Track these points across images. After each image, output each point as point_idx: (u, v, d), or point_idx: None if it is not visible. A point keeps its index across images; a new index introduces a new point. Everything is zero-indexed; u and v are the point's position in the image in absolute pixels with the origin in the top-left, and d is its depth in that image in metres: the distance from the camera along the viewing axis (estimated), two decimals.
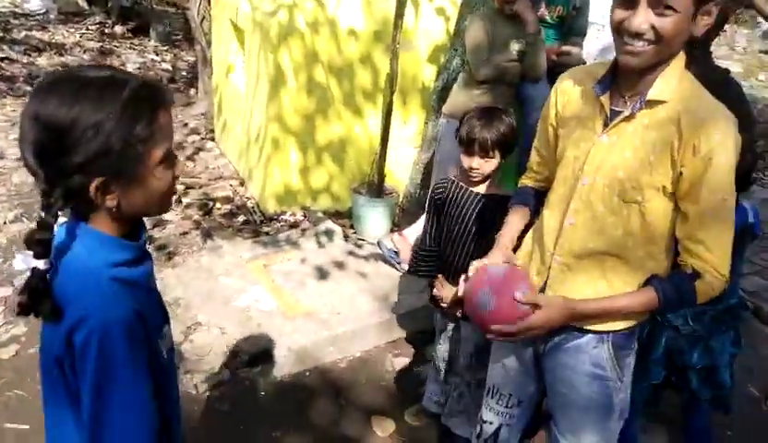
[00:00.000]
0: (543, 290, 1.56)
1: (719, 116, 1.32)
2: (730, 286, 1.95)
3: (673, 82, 1.33)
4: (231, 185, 4.57)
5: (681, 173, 1.33)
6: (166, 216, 4.05)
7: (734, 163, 1.31)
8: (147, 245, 1.15)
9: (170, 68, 8.05)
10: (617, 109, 1.40)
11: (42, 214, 0.97)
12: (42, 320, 1.01)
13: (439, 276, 2.18)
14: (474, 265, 1.55)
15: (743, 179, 1.74)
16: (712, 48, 2.29)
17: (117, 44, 8.93)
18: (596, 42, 6.93)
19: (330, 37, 3.88)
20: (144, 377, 1.02)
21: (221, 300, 3.21)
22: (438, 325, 2.38)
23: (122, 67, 7.51)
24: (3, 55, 7.34)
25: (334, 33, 3.89)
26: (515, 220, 1.69)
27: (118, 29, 9.60)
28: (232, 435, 2.51)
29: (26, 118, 0.96)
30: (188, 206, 4.19)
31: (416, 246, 2.32)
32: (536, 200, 1.70)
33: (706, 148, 1.29)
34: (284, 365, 2.86)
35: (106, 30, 9.43)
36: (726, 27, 9.26)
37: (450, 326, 2.29)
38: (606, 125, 1.41)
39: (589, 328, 1.51)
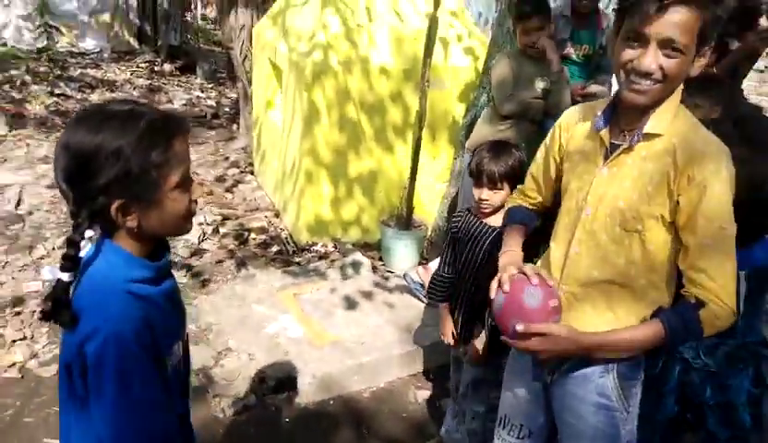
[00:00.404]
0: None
1: (712, 148, 1.37)
2: (748, 322, 1.94)
3: (668, 116, 1.40)
4: (266, 217, 4.73)
5: (678, 203, 1.38)
6: (204, 245, 4.23)
7: (729, 193, 1.36)
8: (169, 266, 1.24)
9: (214, 105, 8.39)
10: (616, 142, 1.46)
11: (71, 233, 1.07)
12: (61, 328, 1.10)
13: (442, 306, 2.25)
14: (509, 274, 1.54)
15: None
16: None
17: (165, 82, 9.37)
18: None
19: (362, 75, 4.04)
20: (157, 381, 1.11)
21: (251, 327, 3.32)
22: (452, 354, 2.44)
23: (169, 104, 7.90)
24: (59, 92, 7.78)
25: (366, 71, 4.04)
26: (514, 237, 1.73)
27: (167, 67, 10.09)
28: None
29: (59, 147, 1.07)
30: (225, 236, 4.36)
31: (434, 274, 2.39)
32: (531, 218, 1.76)
33: (700, 177, 1.34)
34: (309, 393, 2.93)
35: (155, 68, 9.91)
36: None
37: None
38: (606, 157, 1.48)
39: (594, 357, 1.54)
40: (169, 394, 1.22)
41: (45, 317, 1.08)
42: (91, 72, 9.10)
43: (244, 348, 3.17)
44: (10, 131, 5.99)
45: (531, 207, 1.81)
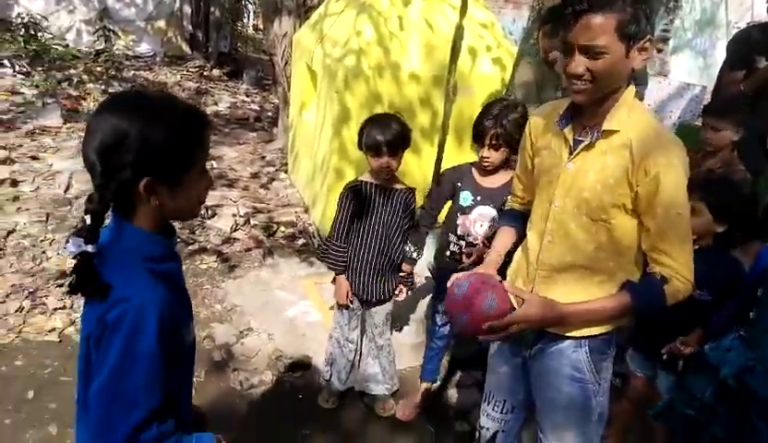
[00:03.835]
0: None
1: (664, 141, 1.50)
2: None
3: (623, 113, 1.52)
4: (296, 212, 4.93)
5: (637, 193, 1.50)
6: (235, 234, 4.46)
7: (683, 181, 1.48)
8: (175, 248, 1.30)
9: (257, 109, 8.71)
10: (579, 138, 1.60)
11: (95, 205, 1.10)
12: (87, 300, 1.14)
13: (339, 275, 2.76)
14: (457, 276, 1.73)
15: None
16: None
17: (213, 86, 9.76)
18: (658, 93, 6.94)
19: (392, 80, 4.22)
20: (162, 356, 1.12)
21: (273, 310, 3.51)
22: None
23: (215, 106, 8.21)
24: (113, 91, 8.21)
25: (396, 77, 4.22)
26: (502, 238, 1.88)
27: (215, 72, 10.49)
28: (266, 429, 2.75)
29: (97, 120, 1.11)
30: (254, 226, 4.58)
31: (332, 245, 2.77)
32: (522, 221, 1.88)
33: (654, 170, 1.47)
34: (323, 374, 3.08)
35: (204, 73, 10.32)
36: None
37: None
38: (570, 153, 1.61)
39: (569, 334, 1.66)
40: (187, 364, 1.30)
41: (74, 289, 1.10)
42: (144, 74, 9.55)
43: (264, 328, 3.36)
44: (65, 123, 6.41)
45: (521, 207, 1.93)
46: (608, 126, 1.53)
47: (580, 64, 1.46)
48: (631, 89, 1.54)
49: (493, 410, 1.94)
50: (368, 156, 2.64)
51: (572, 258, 1.63)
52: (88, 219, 1.10)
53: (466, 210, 2.69)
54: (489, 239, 2.65)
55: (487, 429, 1.96)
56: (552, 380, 1.72)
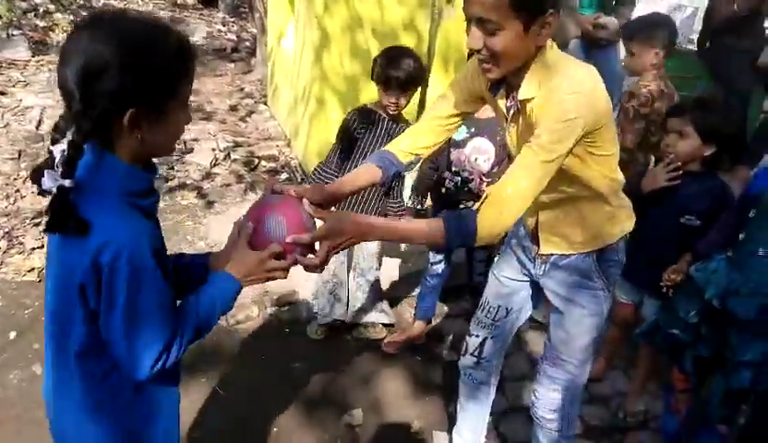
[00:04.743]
0: (536, 228, 1.74)
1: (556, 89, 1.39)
2: None
3: (535, 81, 1.42)
4: (277, 146, 4.81)
5: None
6: (215, 170, 4.35)
7: (553, 112, 1.37)
8: (155, 182, 1.21)
9: (234, 39, 8.38)
10: (510, 104, 1.54)
11: (74, 135, 1.01)
12: (66, 238, 1.05)
13: None
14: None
15: None
16: None
17: (187, 14, 9.35)
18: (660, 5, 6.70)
19: (375, 2, 4.01)
20: (163, 281, 1.11)
21: None
22: None
23: (191, 37, 7.89)
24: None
25: None
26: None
27: None
28: (254, 364, 2.74)
29: (76, 43, 1.01)
30: (234, 161, 4.47)
31: (324, 168, 2.73)
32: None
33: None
34: (308, 307, 3.07)
35: (178, 1, 9.87)
36: None
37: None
38: (506, 119, 1.57)
39: (576, 251, 1.70)
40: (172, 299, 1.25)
41: (51, 227, 1.03)
42: (114, 3, 9.11)
43: None
44: (33, 56, 6.12)
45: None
46: (522, 96, 1.46)
47: (476, 37, 1.35)
48: (544, 58, 1.42)
49: (486, 317, 1.95)
50: (378, 89, 2.55)
51: (549, 198, 1.62)
52: (56, 151, 1.01)
53: (460, 144, 2.59)
54: (486, 175, 2.58)
55: (477, 336, 1.97)
56: (565, 292, 1.75)
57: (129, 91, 1.01)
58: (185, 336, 1.15)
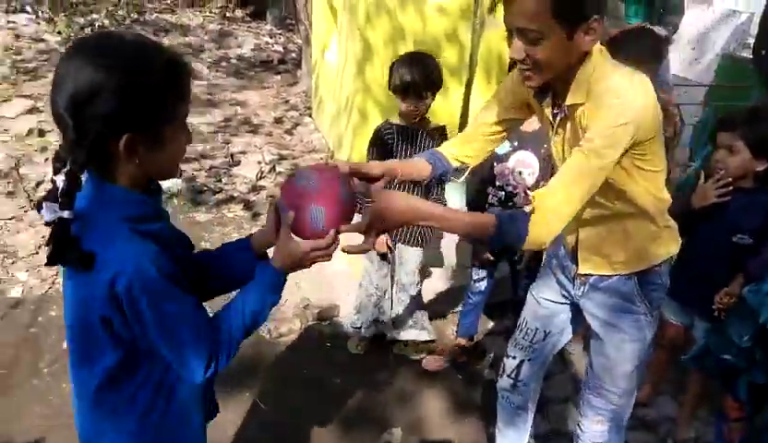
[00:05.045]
0: (576, 246, 1.69)
1: (605, 95, 1.35)
2: None
3: (584, 87, 1.39)
4: (321, 158, 4.86)
5: None
6: (261, 182, 4.42)
7: (604, 123, 1.33)
8: (160, 206, 1.20)
9: (281, 50, 8.52)
10: (556, 112, 1.51)
11: (71, 166, 0.98)
12: (70, 270, 1.06)
13: None
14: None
15: None
16: None
17: (236, 27, 9.56)
18: (699, 22, 6.48)
19: (417, 14, 4.00)
20: (184, 294, 1.10)
21: None
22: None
23: (238, 48, 8.05)
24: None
25: (420, 10, 4.00)
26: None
27: (238, 12, 10.26)
28: (295, 377, 2.76)
29: (67, 69, 0.99)
30: (280, 174, 4.53)
31: None
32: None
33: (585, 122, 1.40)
34: (350, 322, 3.07)
35: (227, 14, 10.10)
36: None
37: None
38: (552, 127, 1.53)
39: (616, 272, 1.64)
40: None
41: (53, 260, 1.01)
42: (166, 17, 9.40)
43: (291, 277, 3.28)
44: None
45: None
46: (570, 102, 1.43)
47: (518, 48, 1.34)
48: (593, 59, 1.38)
49: (523, 338, 1.91)
50: (396, 98, 2.51)
51: (591, 215, 1.58)
52: (58, 180, 0.99)
53: (503, 158, 2.55)
54: (531, 189, 2.52)
55: (514, 357, 1.94)
56: (606, 315, 1.70)
57: (121, 114, 0.99)
58: (233, 335, 1.16)
